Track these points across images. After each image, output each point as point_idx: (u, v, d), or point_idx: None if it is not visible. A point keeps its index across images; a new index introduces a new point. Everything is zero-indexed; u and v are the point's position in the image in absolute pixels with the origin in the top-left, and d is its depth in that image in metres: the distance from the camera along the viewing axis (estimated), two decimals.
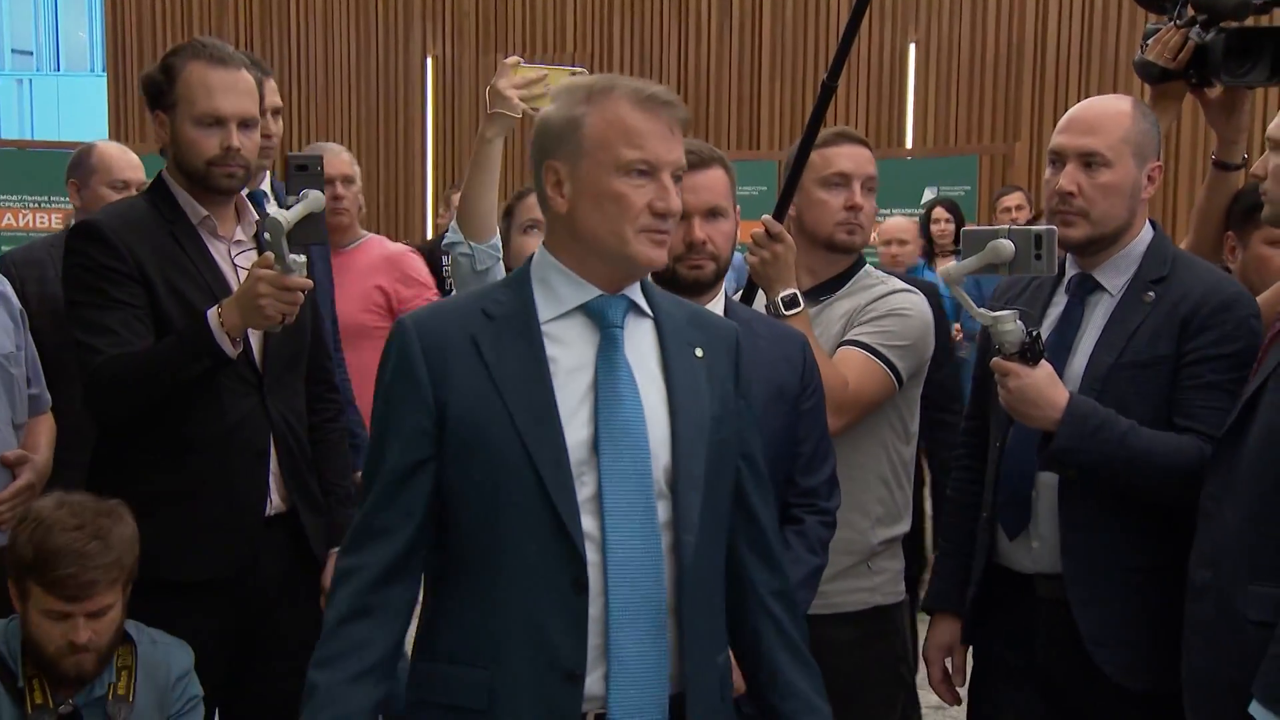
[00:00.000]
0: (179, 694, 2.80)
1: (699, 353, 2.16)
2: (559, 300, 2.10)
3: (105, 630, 2.67)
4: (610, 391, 2.06)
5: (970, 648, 2.96)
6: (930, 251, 7.78)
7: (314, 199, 2.74)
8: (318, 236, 2.82)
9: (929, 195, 8.35)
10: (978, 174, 8.76)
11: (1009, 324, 2.52)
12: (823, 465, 2.70)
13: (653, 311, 2.16)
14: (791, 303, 2.88)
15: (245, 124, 2.92)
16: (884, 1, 9.96)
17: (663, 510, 2.06)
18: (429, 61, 11.26)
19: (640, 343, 2.12)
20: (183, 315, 2.83)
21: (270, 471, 2.94)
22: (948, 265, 2.58)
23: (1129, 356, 2.63)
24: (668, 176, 2.06)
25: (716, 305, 2.70)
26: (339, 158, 4.39)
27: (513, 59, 3.08)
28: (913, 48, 9.93)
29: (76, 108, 17.65)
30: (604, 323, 2.10)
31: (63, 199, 8.43)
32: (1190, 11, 3.08)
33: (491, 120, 3.04)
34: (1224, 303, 2.63)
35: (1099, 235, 2.71)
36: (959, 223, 7.74)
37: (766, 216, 2.94)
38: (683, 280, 2.65)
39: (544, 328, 2.09)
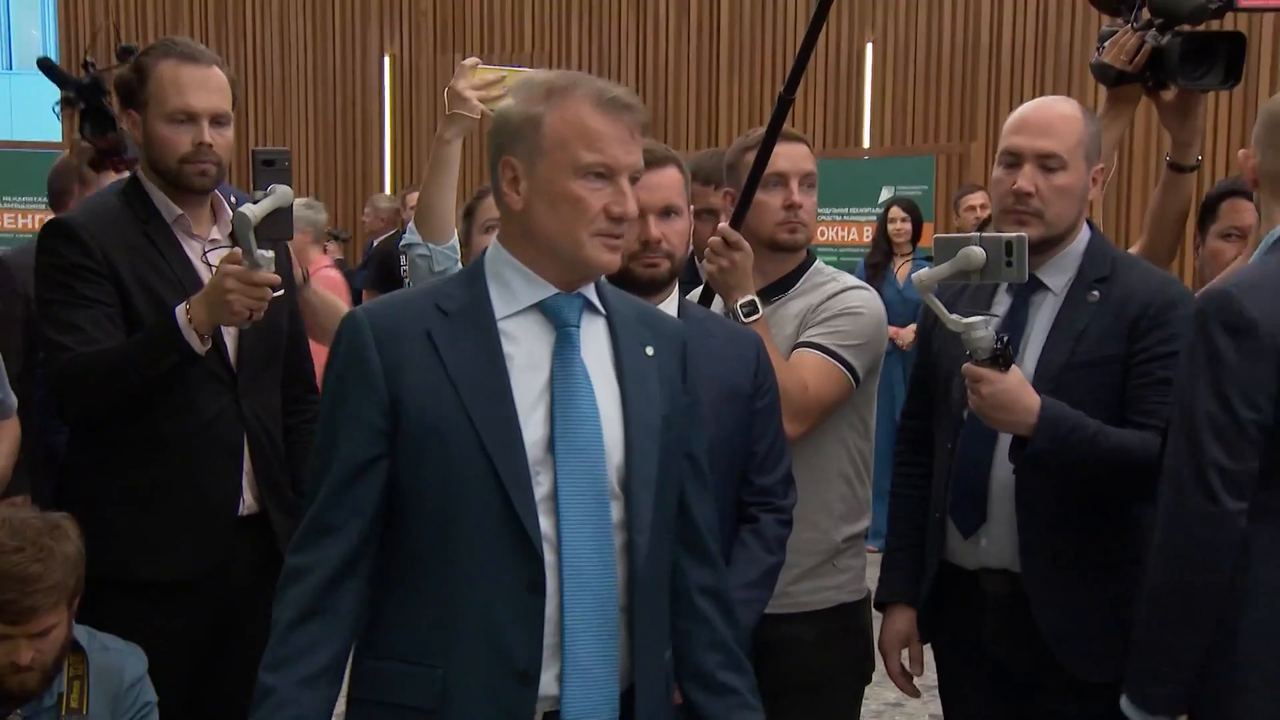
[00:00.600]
0: (131, 701, 2.76)
1: (649, 351, 2.16)
2: (514, 298, 2.08)
3: (50, 649, 2.63)
4: (566, 392, 2.05)
5: (927, 643, 2.98)
6: (888, 251, 7.82)
7: (282, 194, 2.72)
8: (286, 232, 2.79)
9: (886, 195, 8.39)
10: (934, 174, 8.81)
11: (980, 330, 2.53)
12: (778, 464, 2.71)
13: (605, 310, 2.15)
14: (750, 310, 2.89)
15: (217, 120, 2.91)
16: (840, 2, 9.99)
17: (615, 510, 2.06)
18: (386, 61, 11.22)
19: (593, 341, 2.12)
20: (155, 314, 2.82)
21: (243, 471, 2.93)
22: (920, 272, 2.60)
23: (1080, 356, 2.66)
24: (625, 180, 2.05)
25: (670, 304, 2.71)
26: None
27: (471, 60, 3.07)
28: (869, 48, 9.97)
29: (28, 107, 17.44)
30: (560, 322, 2.09)
31: (17, 198, 8.34)
32: (1146, 15, 3.08)
33: (450, 121, 3.04)
34: (1170, 301, 2.68)
35: (1051, 235, 2.73)
36: (916, 222, 7.79)
37: (723, 225, 2.94)
38: (638, 279, 2.65)
39: (499, 324, 2.07)
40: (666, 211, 2.67)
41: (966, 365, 2.58)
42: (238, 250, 2.69)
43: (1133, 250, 3.23)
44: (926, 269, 2.60)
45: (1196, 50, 3.03)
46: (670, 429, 2.14)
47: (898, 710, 5.26)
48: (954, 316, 2.55)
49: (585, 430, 2.05)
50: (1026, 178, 2.71)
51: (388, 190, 10.96)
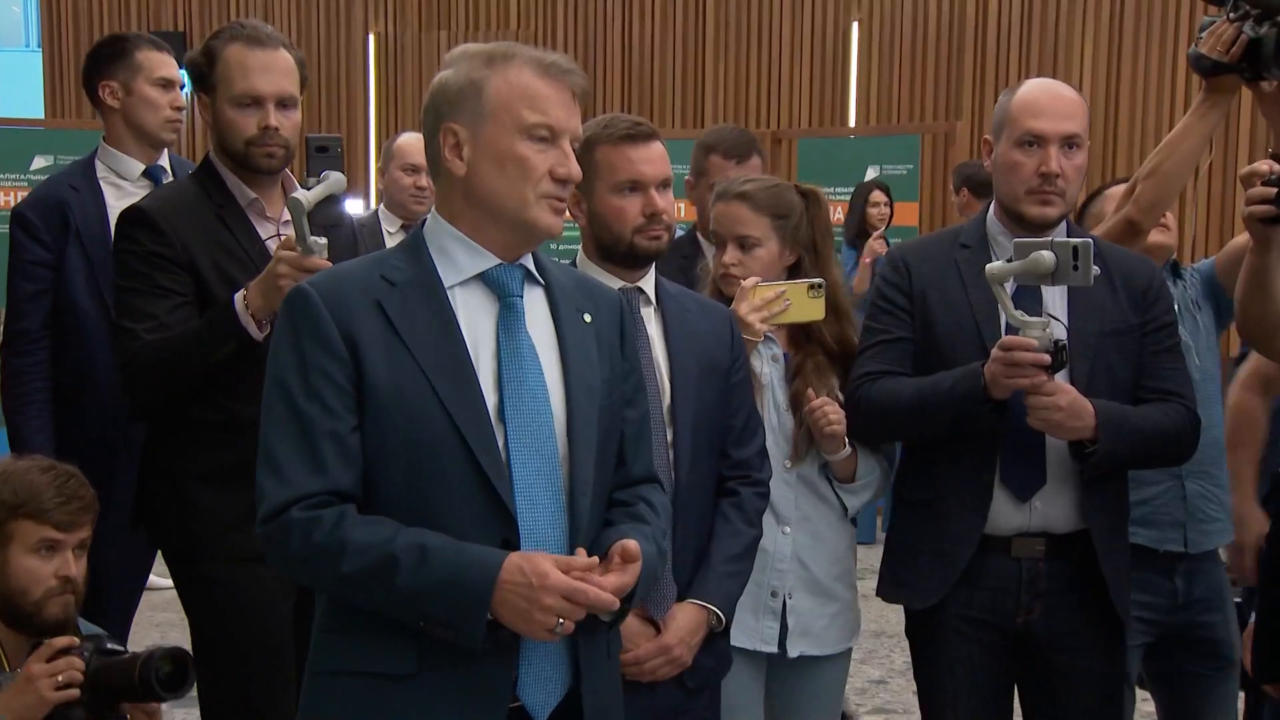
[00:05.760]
0: None
1: (587, 318, 2.20)
2: (458, 268, 2.11)
3: (83, 573, 2.74)
4: (513, 360, 2.08)
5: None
6: (864, 233, 7.81)
7: (335, 180, 2.78)
8: (338, 218, 2.87)
9: (872, 174, 8.37)
10: (920, 153, 8.79)
11: (1037, 330, 2.65)
12: (754, 437, 2.75)
13: (544, 279, 2.18)
14: None
15: (283, 103, 2.95)
16: None
17: (562, 474, 2.09)
18: (371, 39, 11.16)
19: (534, 310, 2.15)
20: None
21: None
22: (993, 264, 2.73)
23: (1110, 325, 2.86)
24: (567, 143, 2.09)
25: (649, 280, 2.73)
26: None
27: (751, 281, 2.92)
28: (855, 27, 9.95)
29: (12, 83, 17.35)
30: (503, 292, 2.12)
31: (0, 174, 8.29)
32: (1245, 5, 3.09)
33: None
34: (1162, 276, 3.02)
35: (1067, 213, 2.92)
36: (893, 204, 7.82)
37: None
38: (642, 251, 2.67)
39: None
40: (665, 184, 2.69)
41: (1031, 386, 2.68)
42: (292, 236, 2.72)
43: (1242, 240, 3.28)
44: (999, 262, 2.73)
45: None
46: (611, 393, 2.18)
47: (881, 688, 5.29)
48: (1017, 312, 2.68)
49: (533, 398, 2.08)
50: (1054, 159, 2.83)
51: (372, 168, 10.92)
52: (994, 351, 2.70)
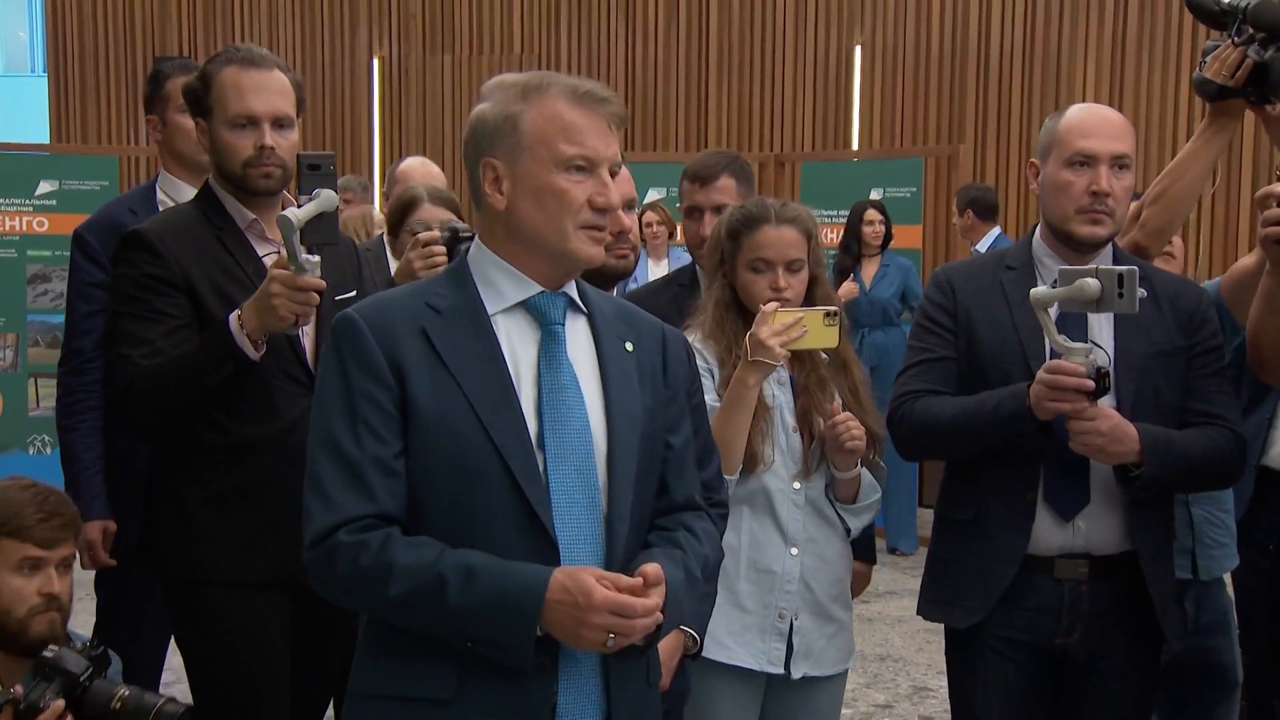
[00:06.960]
0: None
1: (629, 347, 2.20)
2: (501, 296, 2.12)
3: (67, 590, 2.72)
4: (554, 387, 2.09)
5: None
6: (858, 254, 7.85)
7: (326, 198, 2.76)
8: (331, 236, 2.83)
9: (876, 197, 8.40)
10: (923, 176, 8.82)
11: (1080, 357, 2.67)
12: (712, 458, 2.76)
13: (586, 308, 2.19)
14: None
15: (279, 123, 2.95)
16: (830, 4, 10.02)
17: (601, 502, 2.09)
18: (375, 62, 11.21)
19: (577, 338, 2.16)
20: None
21: None
22: (1039, 289, 2.74)
23: (1157, 346, 2.87)
24: (605, 172, 2.09)
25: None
26: None
27: (771, 305, 2.95)
28: (858, 50, 9.98)
29: (17, 108, 17.45)
30: (545, 320, 2.12)
31: (4, 199, 8.32)
32: (1249, 29, 3.09)
33: (752, 368, 2.92)
34: (1210, 300, 3.01)
35: (1115, 233, 2.94)
36: (888, 224, 7.87)
37: None
38: (611, 270, 2.71)
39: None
40: (630, 204, 2.74)
41: (1073, 411, 2.70)
42: (284, 254, 2.72)
43: (1247, 261, 3.29)
44: (1044, 287, 2.73)
45: None
46: (653, 421, 2.18)
47: (886, 712, 5.26)
48: (1061, 337, 2.70)
49: (573, 426, 2.08)
50: (1105, 179, 2.85)
51: (376, 190, 10.95)
52: (1039, 374, 2.71)
